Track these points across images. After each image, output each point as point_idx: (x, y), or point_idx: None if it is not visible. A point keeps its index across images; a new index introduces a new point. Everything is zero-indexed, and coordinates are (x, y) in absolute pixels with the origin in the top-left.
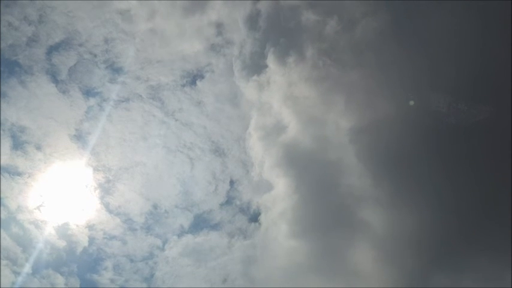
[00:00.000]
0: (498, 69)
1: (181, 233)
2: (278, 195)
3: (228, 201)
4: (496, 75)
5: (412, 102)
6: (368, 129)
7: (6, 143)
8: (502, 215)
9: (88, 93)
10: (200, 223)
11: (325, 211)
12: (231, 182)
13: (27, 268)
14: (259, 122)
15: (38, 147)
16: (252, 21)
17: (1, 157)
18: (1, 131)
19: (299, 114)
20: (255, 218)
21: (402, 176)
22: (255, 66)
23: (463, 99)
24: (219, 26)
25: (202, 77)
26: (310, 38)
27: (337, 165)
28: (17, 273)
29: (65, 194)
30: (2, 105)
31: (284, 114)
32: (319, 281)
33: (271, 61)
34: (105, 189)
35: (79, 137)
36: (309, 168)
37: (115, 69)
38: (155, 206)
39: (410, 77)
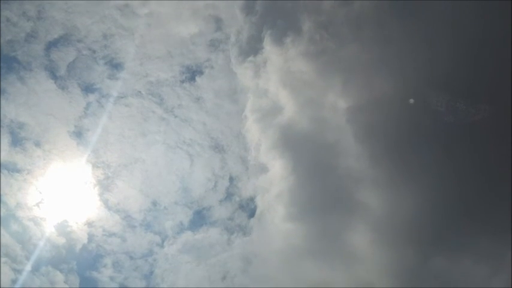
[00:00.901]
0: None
1: (181, 230)
2: (275, 178)
3: (228, 197)
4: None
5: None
6: (365, 108)
7: (5, 140)
8: (502, 194)
9: (87, 89)
10: (199, 220)
11: (323, 193)
12: (231, 179)
13: (26, 265)
14: (255, 104)
15: (37, 144)
16: (249, 6)
17: (0, 154)
18: (0, 128)
19: (296, 94)
20: (254, 214)
21: (401, 156)
22: (252, 49)
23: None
24: (217, 21)
25: (201, 72)
26: (307, 11)
27: (335, 146)
28: (16, 271)
29: (64, 191)
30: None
31: (281, 96)
32: (316, 263)
33: (268, 43)
34: (105, 186)
35: (78, 134)
36: (306, 149)
37: (114, 65)
38: (154, 203)
39: (408, 54)
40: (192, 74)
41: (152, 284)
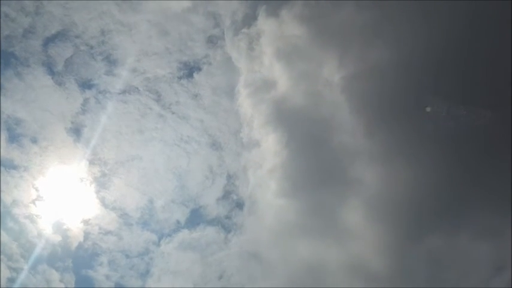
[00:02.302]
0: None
1: (178, 228)
2: (267, 152)
3: (225, 195)
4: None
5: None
6: (361, 77)
7: (2, 136)
8: (502, 169)
9: (84, 85)
10: (196, 218)
11: (316, 168)
12: (228, 177)
13: (22, 263)
14: (248, 78)
15: (34, 140)
16: None
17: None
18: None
19: (289, 65)
20: (252, 212)
21: (397, 129)
22: (246, 24)
23: None
24: (216, 17)
25: (199, 69)
26: None
27: (329, 119)
28: (11, 269)
29: (61, 188)
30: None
31: (274, 68)
32: (309, 240)
33: (262, 16)
34: (101, 183)
35: (75, 130)
36: (299, 123)
37: (111, 61)
38: (151, 201)
39: (407, 20)
40: (189, 70)
41: (148, 283)
